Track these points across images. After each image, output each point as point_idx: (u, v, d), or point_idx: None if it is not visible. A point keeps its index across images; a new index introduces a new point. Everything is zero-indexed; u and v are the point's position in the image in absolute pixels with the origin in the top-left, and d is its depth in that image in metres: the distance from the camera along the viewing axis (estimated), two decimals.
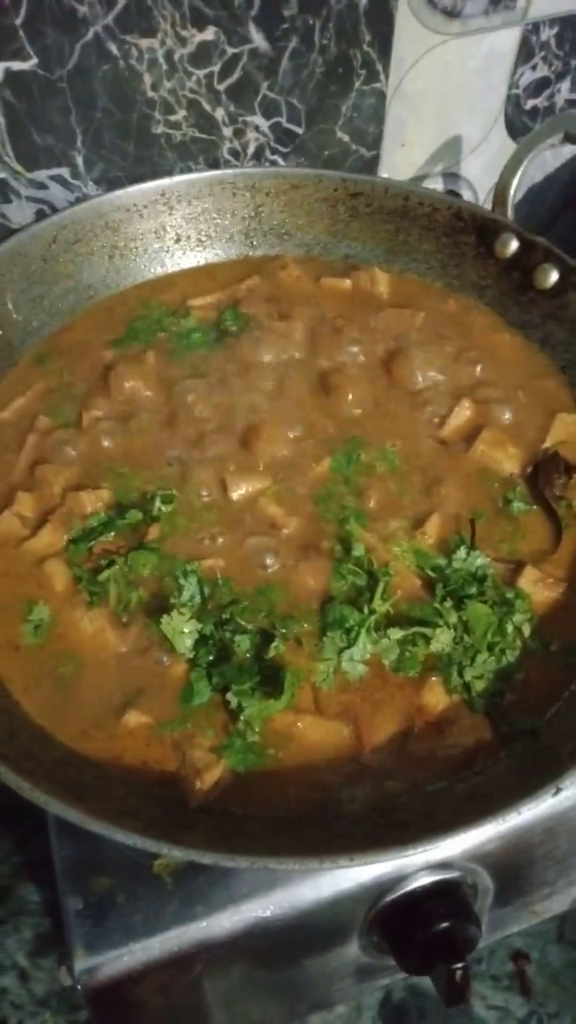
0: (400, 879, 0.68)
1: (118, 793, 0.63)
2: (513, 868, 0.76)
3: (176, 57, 0.91)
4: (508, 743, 0.67)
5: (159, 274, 1.02)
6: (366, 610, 0.71)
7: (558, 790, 0.58)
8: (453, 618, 0.71)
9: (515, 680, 0.70)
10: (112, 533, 0.77)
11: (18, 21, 0.82)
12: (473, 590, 0.73)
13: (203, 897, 0.64)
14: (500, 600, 0.73)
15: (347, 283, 1.02)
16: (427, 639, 0.70)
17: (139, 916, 0.63)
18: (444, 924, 0.70)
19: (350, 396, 0.88)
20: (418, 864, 0.67)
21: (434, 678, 0.69)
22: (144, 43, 0.88)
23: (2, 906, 1.04)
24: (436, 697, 0.68)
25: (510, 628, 0.71)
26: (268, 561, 0.76)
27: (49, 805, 0.56)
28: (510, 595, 0.73)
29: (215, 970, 0.68)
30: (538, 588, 0.74)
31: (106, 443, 0.84)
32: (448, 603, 0.72)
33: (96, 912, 0.63)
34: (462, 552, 0.75)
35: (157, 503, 0.79)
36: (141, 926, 0.63)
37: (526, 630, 0.72)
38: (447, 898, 0.71)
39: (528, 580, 0.74)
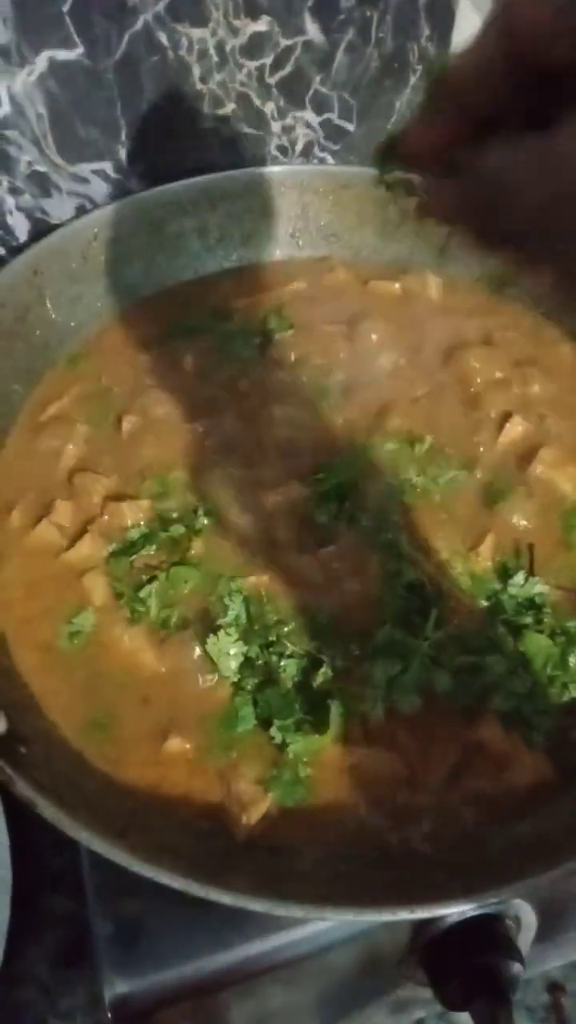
0: (443, 913, 0.66)
1: (158, 825, 0.60)
2: (559, 903, 0.73)
3: (227, 48, 0.87)
4: (572, 783, 0.63)
5: (201, 274, 0.99)
6: (420, 637, 0.68)
7: None
8: (509, 647, 0.68)
9: None
10: (153, 546, 0.74)
11: (65, 8, 0.79)
12: (530, 619, 0.70)
13: (237, 925, 0.61)
14: (561, 631, 0.69)
15: (397, 287, 0.98)
16: (483, 669, 0.67)
17: (171, 942, 0.61)
18: (487, 960, 0.67)
19: (399, 408, 0.84)
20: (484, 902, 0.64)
21: (491, 711, 0.66)
22: (195, 33, 0.85)
23: (25, 917, 1.02)
24: (493, 732, 0.65)
25: (573, 661, 0.68)
26: (316, 581, 0.73)
27: (92, 843, 0.53)
28: (572, 625, 0.69)
29: (247, 998, 0.66)
30: None
31: (146, 450, 0.81)
32: (503, 631, 0.69)
33: (127, 937, 0.61)
34: (519, 578, 0.72)
35: (200, 515, 0.76)
36: (173, 953, 0.60)
37: None
38: (491, 932, 0.68)
39: None
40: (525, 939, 0.73)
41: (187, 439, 0.83)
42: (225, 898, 0.51)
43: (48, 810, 0.53)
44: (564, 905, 0.75)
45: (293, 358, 0.90)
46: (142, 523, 0.75)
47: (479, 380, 0.87)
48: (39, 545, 0.74)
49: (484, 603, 0.72)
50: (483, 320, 0.94)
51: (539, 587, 0.71)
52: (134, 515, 0.76)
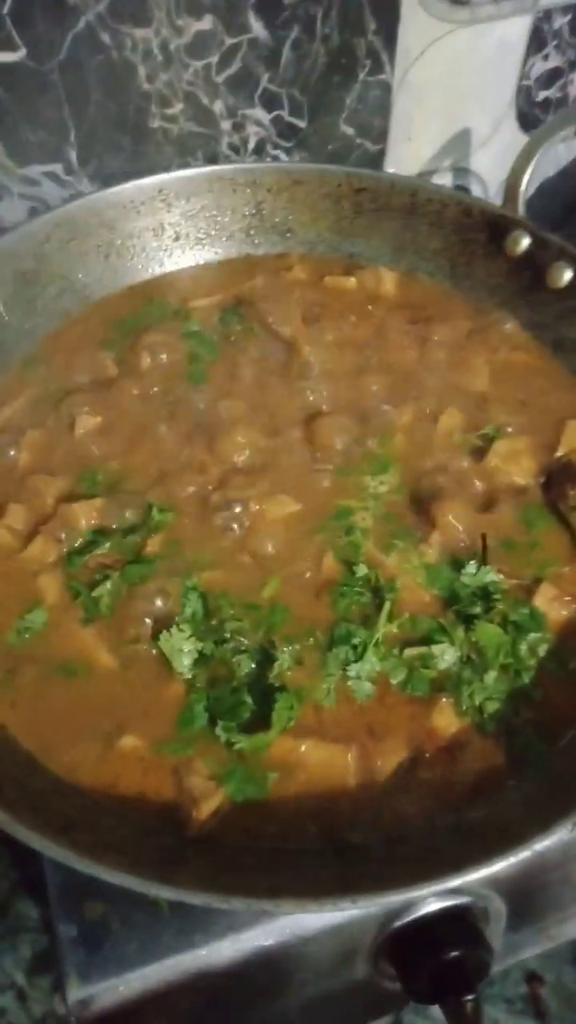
0: (409, 905, 0.65)
1: (107, 824, 0.60)
2: (527, 893, 0.73)
3: (172, 48, 0.87)
4: (522, 769, 0.63)
5: (157, 274, 0.99)
6: (373, 628, 0.68)
7: (575, 826, 0.54)
8: (460, 635, 0.68)
9: (533, 700, 0.67)
10: (107, 545, 0.74)
11: (4, 10, 0.79)
12: (479, 608, 0.69)
13: (202, 924, 0.61)
14: (513, 620, 0.69)
15: (352, 282, 0.98)
16: (435, 658, 0.67)
17: (135, 944, 0.61)
18: (455, 952, 0.67)
19: (355, 404, 0.85)
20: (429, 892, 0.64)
21: (444, 700, 0.66)
22: (138, 33, 0.85)
23: (0, 923, 1.02)
24: (446, 720, 0.65)
25: (524, 648, 0.68)
26: (269, 575, 0.73)
27: (31, 841, 0.53)
28: (524, 613, 0.69)
29: (215, 1000, 0.66)
30: (554, 606, 0.70)
31: (100, 451, 0.81)
32: (455, 620, 0.69)
33: (90, 939, 0.61)
34: (471, 567, 0.72)
35: (154, 513, 0.76)
36: (137, 954, 0.60)
37: (542, 651, 0.68)
38: (458, 924, 0.68)
39: (544, 598, 0.70)
40: (495, 930, 0.73)
41: (142, 439, 0.82)
42: (165, 892, 0.51)
43: None
44: (534, 895, 0.75)
45: (251, 356, 0.90)
46: (95, 522, 0.75)
47: (431, 373, 0.88)
48: None
49: (437, 593, 0.72)
50: (436, 314, 0.94)
51: (491, 576, 0.71)
52: (87, 515, 0.76)
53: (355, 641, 0.68)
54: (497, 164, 1.16)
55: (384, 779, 0.63)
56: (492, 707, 0.66)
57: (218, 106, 0.94)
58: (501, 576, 0.72)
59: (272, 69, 0.94)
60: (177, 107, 0.92)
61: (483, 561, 0.73)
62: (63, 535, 0.75)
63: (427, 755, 0.64)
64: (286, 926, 0.62)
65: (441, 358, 0.89)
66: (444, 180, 1.16)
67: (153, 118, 0.92)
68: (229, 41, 0.90)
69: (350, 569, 0.72)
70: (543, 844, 0.54)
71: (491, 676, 0.66)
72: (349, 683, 0.66)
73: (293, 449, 0.81)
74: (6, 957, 0.99)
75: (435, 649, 0.67)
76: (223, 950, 0.61)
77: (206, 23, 0.87)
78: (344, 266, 1.01)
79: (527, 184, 0.93)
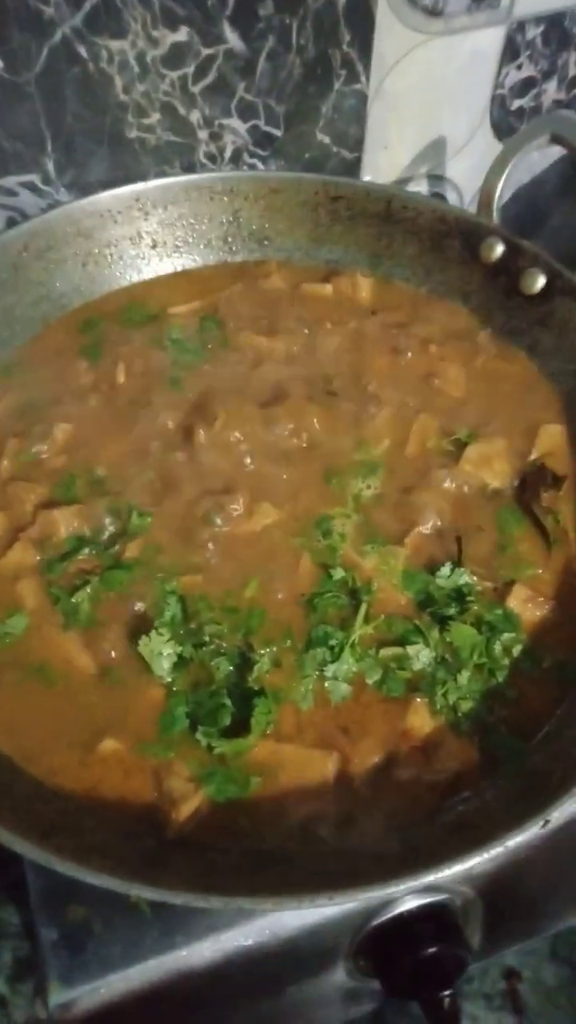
0: (387, 903, 0.67)
1: (88, 826, 0.61)
2: (504, 889, 0.74)
3: (148, 59, 0.88)
4: (496, 767, 0.65)
5: (135, 281, 0.99)
6: (349, 630, 0.69)
7: (546, 822, 0.56)
8: (435, 636, 0.69)
9: (508, 699, 0.68)
10: (87, 551, 0.75)
11: None
12: (454, 610, 0.71)
13: (183, 926, 0.62)
14: (486, 621, 0.70)
15: (328, 289, 0.99)
16: (410, 659, 0.68)
17: (117, 946, 0.61)
18: (432, 949, 0.68)
19: (331, 409, 0.86)
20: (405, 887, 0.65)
21: (419, 699, 0.67)
22: (115, 45, 0.86)
23: None
24: (421, 720, 0.66)
25: (498, 648, 0.69)
26: (248, 579, 0.73)
27: (14, 844, 0.53)
28: (498, 613, 0.71)
29: (196, 1001, 0.66)
30: (528, 607, 0.72)
31: (79, 457, 0.82)
32: (430, 622, 0.71)
33: (72, 943, 0.61)
34: (445, 569, 0.73)
35: (133, 519, 0.76)
36: (119, 957, 0.61)
37: (516, 650, 0.70)
38: (435, 921, 0.69)
39: (517, 599, 0.72)
40: (473, 927, 0.74)
41: (121, 446, 0.83)
42: (147, 893, 0.52)
43: None
44: (512, 892, 0.76)
45: (228, 363, 0.91)
46: (75, 529, 0.76)
47: (408, 380, 0.89)
48: None
49: (412, 596, 0.73)
50: (412, 320, 0.95)
51: (465, 578, 0.73)
52: (67, 521, 0.76)
53: (332, 642, 0.69)
54: (472, 172, 1.17)
55: (361, 779, 0.64)
56: (466, 706, 0.67)
57: (195, 116, 0.95)
58: (475, 578, 0.73)
59: (248, 79, 0.95)
60: (154, 117, 0.93)
61: (457, 563, 0.74)
62: (43, 541, 0.75)
63: (402, 755, 0.65)
64: (266, 926, 0.63)
65: (417, 363, 0.91)
66: (420, 187, 1.17)
67: (130, 128, 0.93)
68: (205, 52, 0.90)
69: (327, 572, 0.73)
70: (516, 840, 0.55)
71: (465, 676, 0.68)
72: (326, 684, 0.67)
73: (271, 454, 0.82)
74: None
75: (410, 650, 0.69)
76: (204, 951, 0.62)
77: (182, 35, 0.88)
78: (322, 273, 1.02)
79: (501, 191, 0.94)
